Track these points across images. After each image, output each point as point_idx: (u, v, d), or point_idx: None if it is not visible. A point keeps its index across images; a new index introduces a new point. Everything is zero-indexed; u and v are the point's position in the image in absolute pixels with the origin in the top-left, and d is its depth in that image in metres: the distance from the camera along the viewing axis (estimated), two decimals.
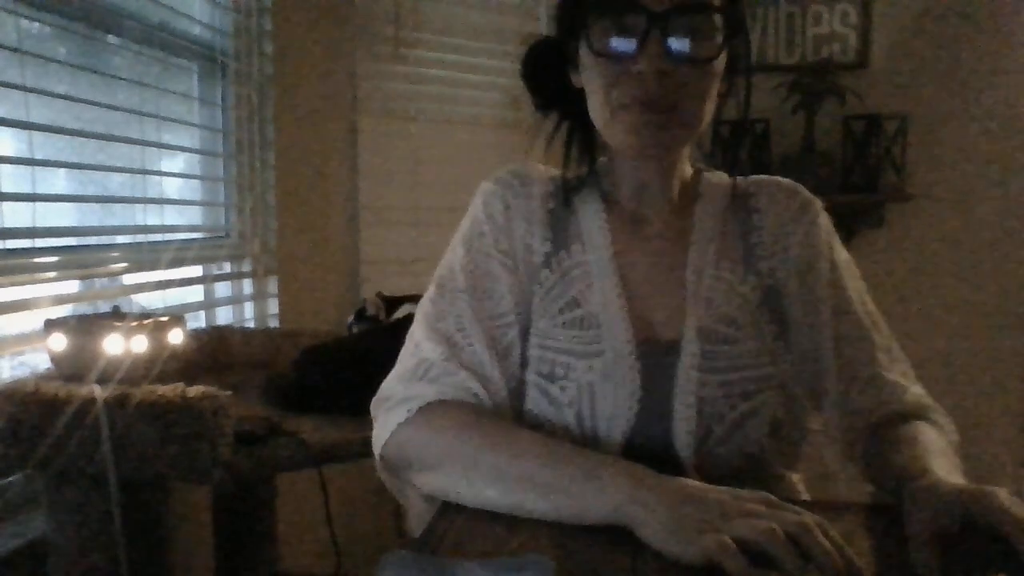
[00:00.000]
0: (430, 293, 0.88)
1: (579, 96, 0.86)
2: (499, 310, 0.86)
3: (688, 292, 0.85)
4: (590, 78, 0.83)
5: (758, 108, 2.74)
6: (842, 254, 0.91)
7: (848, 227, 2.77)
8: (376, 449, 0.83)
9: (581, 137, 0.93)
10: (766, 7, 2.82)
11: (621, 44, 0.79)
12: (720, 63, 0.81)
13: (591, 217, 0.90)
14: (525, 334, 0.87)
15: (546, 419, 0.84)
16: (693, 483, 0.66)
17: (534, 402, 0.85)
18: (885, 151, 2.68)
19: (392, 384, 0.84)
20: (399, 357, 0.87)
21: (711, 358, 0.82)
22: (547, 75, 0.90)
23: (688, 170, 0.93)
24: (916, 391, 0.86)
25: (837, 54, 2.79)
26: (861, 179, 2.68)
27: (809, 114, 2.66)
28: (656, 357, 0.82)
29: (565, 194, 0.91)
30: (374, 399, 0.85)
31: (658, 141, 0.81)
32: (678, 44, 0.78)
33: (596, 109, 0.84)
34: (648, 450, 0.80)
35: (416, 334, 0.86)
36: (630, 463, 0.69)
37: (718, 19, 0.79)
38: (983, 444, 2.74)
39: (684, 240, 0.88)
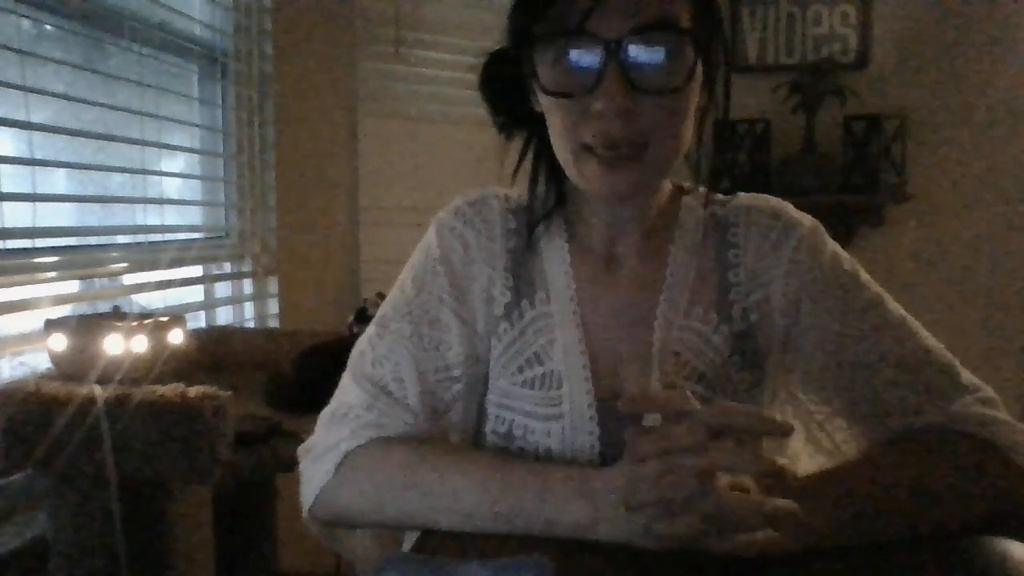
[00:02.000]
0: (371, 331, 0.82)
1: (544, 116, 0.76)
2: (444, 363, 0.80)
3: (655, 347, 0.78)
4: (547, 112, 0.73)
5: (758, 108, 2.75)
6: (840, 269, 0.79)
7: (848, 227, 2.77)
8: (304, 506, 0.78)
9: (548, 162, 0.81)
10: (766, 7, 2.82)
11: (575, 81, 0.68)
12: (697, 82, 0.70)
13: (555, 260, 0.82)
14: (481, 387, 0.82)
15: None
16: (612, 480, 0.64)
17: None
18: (885, 151, 2.68)
19: (317, 429, 0.80)
20: (348, 373, 0.82)
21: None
22: (509, 90, 0.78)
23: (666, 191, 0.84)
24: (966, 404, 0.74)
25: (837, 54, 2.78)
26: (861, 179, 2.68)
27: (809, 114, 2.66)
28: (618, 420, 0.74)
29: (529, 231, 0.82)
30: (300, 446, 0.80)
31: (628, 185, 0.71)
32: (641, 74, 0.66)
33: (557, 146, 0.74)
34: None
35: (348, 374, 0.81)
36: (560, 477, 0.67)
37: (688, 36, 0.68)
38: None
39: (656, 285, 0.80)
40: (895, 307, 0.79)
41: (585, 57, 0.67)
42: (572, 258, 0.82)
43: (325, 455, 0.76)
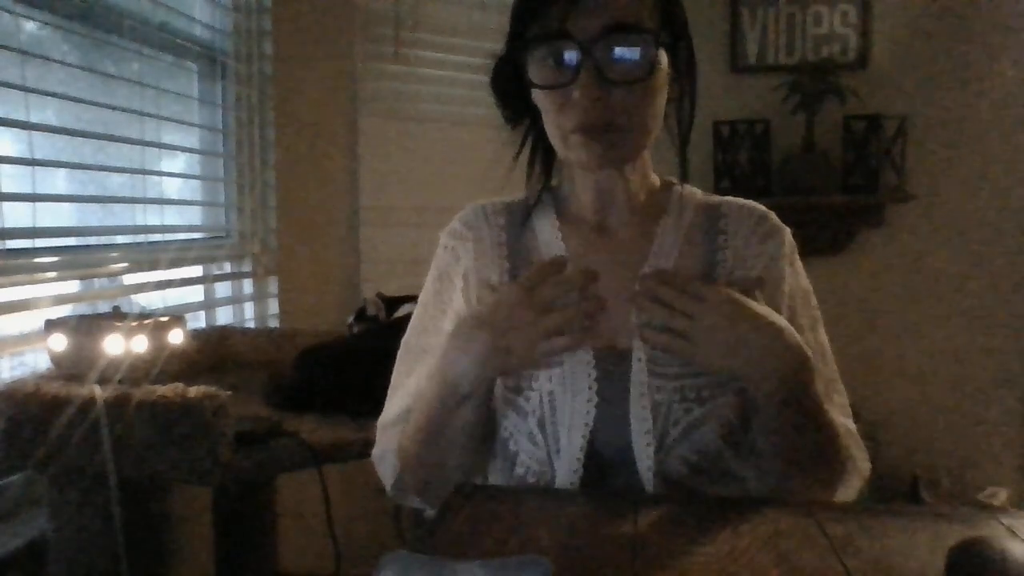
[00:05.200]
0: (406, 338, 0.97)
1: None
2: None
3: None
4: (539, 102, 0.87)
5: (758, 108, 2.75)
6: (802, 282, 0.93)
7: (848, 227, 2.77)
8: (389, 490, 0.95)
9: (544, 149, 0.94)
10: (766, 7, 2.82)
11: (557, 75, 0.81)
12: (661, 73, 0.83)
13: (546, 234, 0.93)
14: None
15: (513, 427, 0.88)
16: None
17: (502, 412, 0.89)
18: (885, 151, 2.68)
19: (377, 436, 0.95)
20: (390, 387, 0.96)
21: (664, 364, 0.84)
22: (514, 88, 0.91)
23: (655, 181, 0.95)
24: (846, 423, 0.89)
25: (837, 54, 2.78)
26: (861, 179, 2.68)
27: (809, 114, 2.65)
28: (613, 365, 0.86)
29: (524, 213, 0.94)
30: (373, 454, 0.96)
31: (608, 159, 0.85)
32: (611, 68, 0.79)
33: (549, 130, 0.87)
34: (608, 454, 0.84)
35: (393, 380, 0.96)
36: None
37: (650, 35, 0.81)
38: (984, 442, 2.74)
39: (644, 251, 0.90)
40: (823, 334, 0.93)
41: (565, 55, 0.81)
42: (562, 229, 0.93)
43: (385, 460, 0.94)
